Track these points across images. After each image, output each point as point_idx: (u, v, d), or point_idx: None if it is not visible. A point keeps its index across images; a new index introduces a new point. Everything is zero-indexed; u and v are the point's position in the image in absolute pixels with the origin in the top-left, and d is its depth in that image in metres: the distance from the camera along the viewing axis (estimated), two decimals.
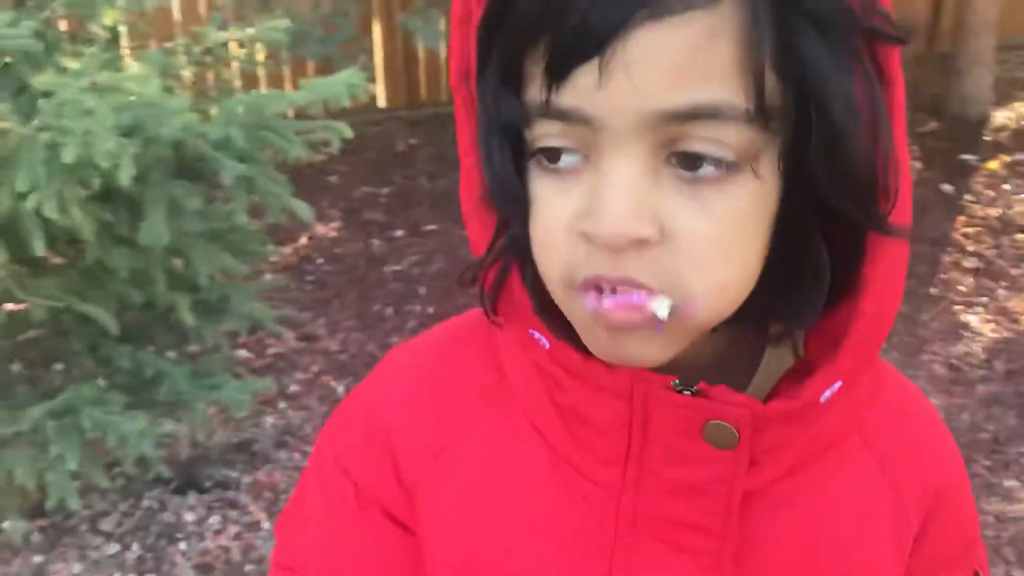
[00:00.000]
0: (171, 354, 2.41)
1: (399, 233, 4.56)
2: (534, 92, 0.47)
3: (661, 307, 0.47)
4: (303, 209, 2.21)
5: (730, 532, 0.56)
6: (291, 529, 0.69)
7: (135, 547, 2.51)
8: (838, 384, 0.53)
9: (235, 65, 3.38)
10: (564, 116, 0.46)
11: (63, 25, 2.83)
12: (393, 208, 4.80)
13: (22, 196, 1.65)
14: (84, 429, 2.01)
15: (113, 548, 2.50)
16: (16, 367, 2.36)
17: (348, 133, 2.14)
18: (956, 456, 0.67)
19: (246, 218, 2.21)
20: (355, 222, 4.64)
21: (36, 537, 2.52)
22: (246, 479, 2.77)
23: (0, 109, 1.78)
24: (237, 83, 4.41)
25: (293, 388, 3.28)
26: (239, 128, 1.96)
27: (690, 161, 0.46)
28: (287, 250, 4.24)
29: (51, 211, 1.65)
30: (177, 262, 2.30)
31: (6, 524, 2.53)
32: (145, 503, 2.66)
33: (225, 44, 2.64)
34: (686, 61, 0.43)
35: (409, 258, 4.32)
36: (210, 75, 2.78)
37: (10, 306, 2.28)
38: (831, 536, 0.59)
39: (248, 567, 2.45)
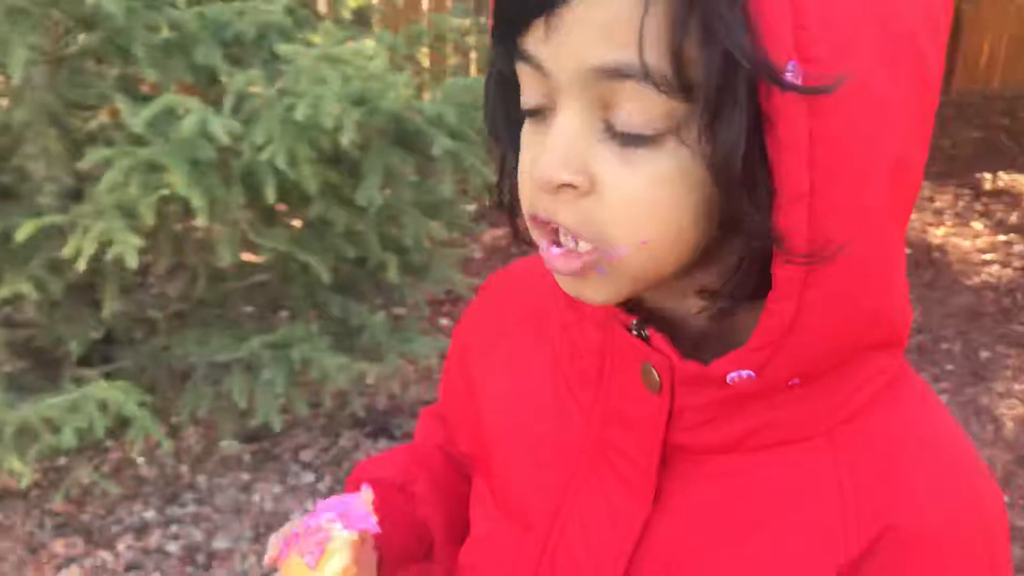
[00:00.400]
0: (375, 309, 2.66)
1: None
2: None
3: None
4: None
5: (652, 469, 0.61)
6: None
7: (328, 479, 2.78)
8: (747, 372, 0.55)
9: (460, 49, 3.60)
10: (526, 58, 0.52)
11: (322, 6, 3.16)
12: None
13: (260, 149, 1.91)
14: (293, 360, 2.28)
15: (309, 477, 2.78)
16: (244, 306, 2.68)
17: None
18: (943, 510, 0.60)
19: (453, 191, 2.40)
20: None
21: (247, 458, 2.84)
22: None
23: (251, 75, 2.06)
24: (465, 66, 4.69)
25: None
26: (453, 106, 2.15)
27: (624, 123, 0.50)
28: (499, 232, 4.46)
29: (282, 163, 1.89)
30: (391, 229, 2.53)
31: (224, 443, 2.87)
32: (341, 441, 2.93)
33: (460, 31, 2.85)
34: (617, 26, 0.47)
35: None
36: (434, 56, 3.01)
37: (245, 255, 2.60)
38: (756, 522, 0.60)
39: None
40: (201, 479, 2.76)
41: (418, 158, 2.23)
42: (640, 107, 0.49)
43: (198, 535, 2.55)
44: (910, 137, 0.52)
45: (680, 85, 0.48)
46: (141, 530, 2.56)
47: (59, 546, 2.51)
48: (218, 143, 1.87)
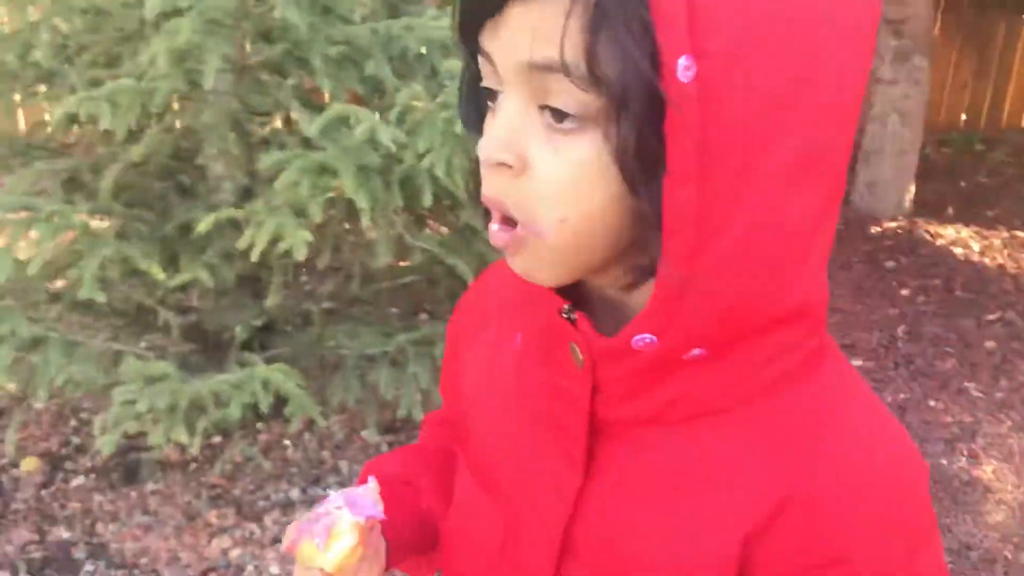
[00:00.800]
0: None
1: None
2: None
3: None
4: None
5: (582, 441, 0.66)
6: None
7: None
8: (649, 337, 0.59)
9: None
10: (482, 52, 0.60)
11: None
12: None
13: (420, 157, 2.06)
14: (436, 357, 2.42)
15: None
16: (390, 306, 2.84)
17: None
18: (847, 482, 0.61)
19: None
20: None
21: (385, 448, 3.00)
22: None
23: (415, 88, 2.22)
24: None
25: None
26: None
27: (555, 114, 0.56)
28: None
29: (440, 171, 2.03)
30: None
31: (365, 432, 3.04)
32: None
33: None
34: (546, 27, 0.54)
35: None
36: None
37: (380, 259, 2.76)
38: (673, 492, 0.64)
39: None
40: (343, 464, 2.93)
41: None
42: (565, 98, 0.55)
43: None
44: (817, 126, 0.56)
45: (593, 79, 0.53)
46: (287, 507, 2.75)
47: (213, 516, 2.72)
48: (384, 150, 2.02)
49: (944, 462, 3.09)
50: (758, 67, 0.53)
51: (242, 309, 2.55)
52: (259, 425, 3.09)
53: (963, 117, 6.95)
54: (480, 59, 0.61)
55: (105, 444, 2.18)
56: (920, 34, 5.26)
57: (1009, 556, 2.66)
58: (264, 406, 2.18)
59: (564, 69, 0.54)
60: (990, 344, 3.87)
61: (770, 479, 0.62)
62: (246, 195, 2.46)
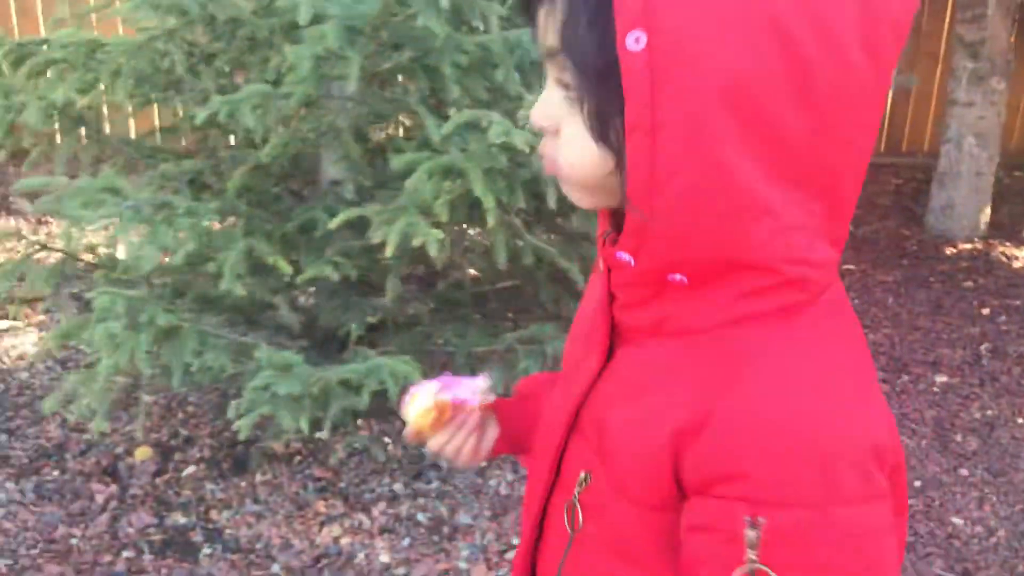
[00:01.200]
0: None
1: None
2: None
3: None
4: None
5: (604, 335, 0.84)
6: None
7: None
8: (627, 256, 0.75)
9: None
10: (536, 42, 0.78)
11: None
12: None
13: None
14: (547, 354, 2.50)
15: None
16: (495, 305, 2.94)
17: None
18: (747, 410, 0.71)
19: None
20: None
21: None
22: None
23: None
24: None
25: None
26: None
27: (565, 87, 0.73)
28: None
29: None
30: None
31: None
32: None
33: None
34: (550, 23, 0.71)
35: None
36: None
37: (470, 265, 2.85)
38: (644, 387, 0.80)
39: None
40: (443, 461, 3.02)
41: None
42: (567, 75, 0.72)
43: (443, 509, 2.81)
44: (766, 105, 0.66)
45: (570, 56, 0.70)
46: (392, 500, 2.84)
47: (322, 506, 2.82)
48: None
49: None
50: (710, 43, 0.64)
51: (357, 307, 2.66)
52: (359, 422, 3.20)
53: None
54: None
55: (242, 427, 2.28)
56: (997, 55, 5.27)
57: None
58: (394, 395, 2.27)
59: (556, 52, 0.71)
60: None
61: (704, 393, 0.73)
62: (363, 197, 2.57)
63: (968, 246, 5.27)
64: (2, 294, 3.12)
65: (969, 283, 4.75)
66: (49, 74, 2.69)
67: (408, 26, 2.23)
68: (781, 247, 0.72)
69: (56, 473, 2.95)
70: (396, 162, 2.26)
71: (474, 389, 1.01)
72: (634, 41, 0.64)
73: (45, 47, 2.69)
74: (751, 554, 0.70)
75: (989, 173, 5.43)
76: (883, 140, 6.78)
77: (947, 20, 6.45)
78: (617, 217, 0.83)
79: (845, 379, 0.76)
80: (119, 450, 3.05)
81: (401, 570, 2.57)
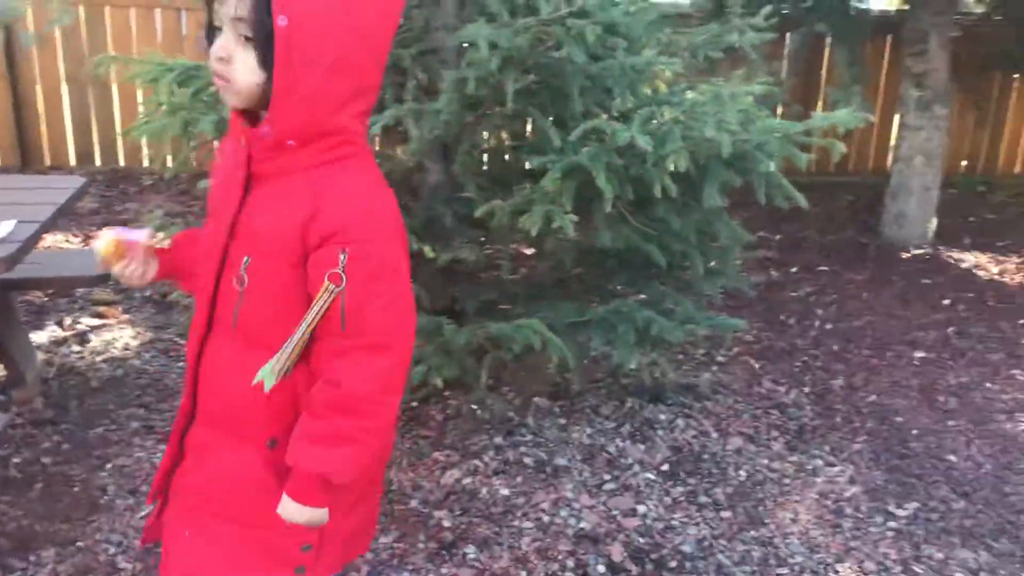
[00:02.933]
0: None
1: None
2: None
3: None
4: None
5: (243, 180, 1.48)
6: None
7: (626, 428, 3.57)
8: (267, 129, 1.42)
9: None
10: (213, 11, 1.46)
11: None
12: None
13: (661, 158, 2.73)
14: (637, 320, 3.09)
15: (611, 424, 3.58)
16: (580, 284, 3.52)
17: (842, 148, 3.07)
18: (339, 199, 1.42)
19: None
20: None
21: (556, 410, 3.65)
22: (697, 404, 3.78)
23: (655, 108, 2.91)
24: None
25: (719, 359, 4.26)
26: (776, 138, 2.95)
27: (244, 38, 1.38)
28: None
29: (680, 164, 2.70)
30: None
31: (536, 399, 3.69)
32: (628, 403, 3.72)
33: None
34: (241, 3, 1.37)
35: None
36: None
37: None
38: (275, 201, 1.45)
39: (704, 458, 3.41)
40: (530, 420, 3.57)
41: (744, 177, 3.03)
42: (246, 30, 1.37)
43: (542, 455, 3.36)
44: (349, 53, 1.37)
45: (250, 23, 1.37)
46: (497, 449, 3.37)
47: (439, 456, 3.33)
48: (639, 152, 2.70)
49: (1007, 427, 3.79)
50: (314, 23, 1.32)
51: (476, 285, 3.21)
52: (447, 393, 3.71)
53: (963, 163, 7.80)
54: (213, 13, 1.42)
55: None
56: (939, 86, 6.08)
57: None
58: (538, 347, 2.82)
59: (243, 19, 1.35)
60: None
61: (314, 197, 1.42)
62: (487, 192, 3.13)
63: (920, 251, 6.03)
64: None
65: (927, 280, 5.49)
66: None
67: (550, 56, 2.80)
68: (346, 125, 1.43)
69: None
70: (534, 163, 2.82)
71: (141, 235, 1.65)
72: (281, 19, 1.30)
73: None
74: (340, 267, 1.40)
75: (935, 188, 6.22)
76: (833, 163, 7.57)
77: (886, 56, 7.29)
78: (250, 114, 1.46)
79: (382, 188, 1.51)
80: None
81: (521, 499, 3.10)
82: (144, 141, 3.37)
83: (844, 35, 5.84)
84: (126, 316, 4.46)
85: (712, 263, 3.50)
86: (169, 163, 4.19)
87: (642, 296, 3.41)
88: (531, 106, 2.96)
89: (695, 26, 3.47)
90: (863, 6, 6.59)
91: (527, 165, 3.16)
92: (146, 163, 6.72)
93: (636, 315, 3.13)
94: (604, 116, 2.92)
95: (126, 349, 4.11)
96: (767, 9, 3.45)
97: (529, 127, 3.28)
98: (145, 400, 3.64)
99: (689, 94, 2.88)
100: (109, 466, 3.18)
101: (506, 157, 3.29)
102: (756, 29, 3.41)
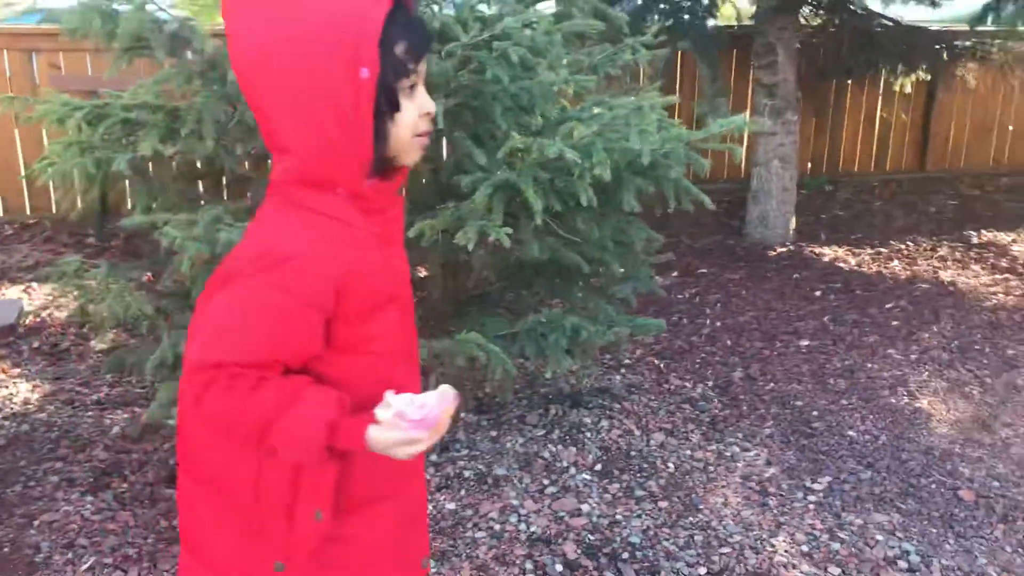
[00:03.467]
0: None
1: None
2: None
3: None
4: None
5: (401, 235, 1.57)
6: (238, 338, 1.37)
7: (555, 433, 3.68)
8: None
9: None
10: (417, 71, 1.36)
11: None
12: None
13: (588, 169, 2.88)
14: (568, 328, 3.23)
15: (540, 432, 3.69)
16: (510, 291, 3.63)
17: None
18: (244, 247, 1.39)
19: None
20: None
21: (484, 423, 3.73)
22: (616, 406, 3.94)
23: (574, 124, 3.05)
24: None
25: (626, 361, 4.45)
26: (682, 145, 3.15)
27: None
28: None
29: (605, 174, 2.84)
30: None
31: (464, 415, 3.76)
32: (552, 410, 3.85)
33: None
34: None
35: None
36: None
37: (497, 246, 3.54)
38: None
39: (633, 455, 3.57)
40: (461, 435, 3.64)
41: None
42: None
43: (481, 467, 3.43)
44: (295, 79, 1.26)
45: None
46: (436, 466, 3.43)
47: None
48: (563, 164, 2.83)
49: (893, 401, 4.13)
50: (259, 47, 1.28)
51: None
52: None
53: (809, 165, 8.36)
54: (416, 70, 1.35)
55: None
56: (789, 94, 6.53)
57: (958, 450, 3.69)
58: (482, 360, 2.91)
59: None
60: (895, 323, 5.02)
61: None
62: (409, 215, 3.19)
63: (783, 249, 6.44)
64: None
65: (797, 275, 5.88)
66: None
67: (473, 78, 2.90)
68: (296, 158, 1.35)
69: None
70: (464, 181, 2.91)
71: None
72: (233, 45, 1.30)
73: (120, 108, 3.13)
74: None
75: (792, 189, 6.66)
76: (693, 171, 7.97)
77: (733, 68, 7.75)
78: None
79: (286, 233, 1.37)
80: None
81: (468, 511, 3.17)
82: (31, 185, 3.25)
83: (704, 51, 6.19)
84: (17, 370, 4.27)
85: (622, 269, 3.67)
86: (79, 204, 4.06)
87: (561, 304, 3.54)
88: (454, 128, 3.04)
89: (591, 45, 3.64)
90: (720, 23, 7.01)
91: (448, 184, 3.24)
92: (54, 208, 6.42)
93: (564, 323, 3.26)
94: (518, 135, 3.04)
95: (27, 404, 3.93)
96: (655, 27, 3.67)
97: (445, 148, 3.37)
98: (60, 453, 3.51)
99: (596, 109, 3.03)
100: (37, 523, 3.05)
101: (423, 180, 3.36)
102: (647, 47, 3.62)
